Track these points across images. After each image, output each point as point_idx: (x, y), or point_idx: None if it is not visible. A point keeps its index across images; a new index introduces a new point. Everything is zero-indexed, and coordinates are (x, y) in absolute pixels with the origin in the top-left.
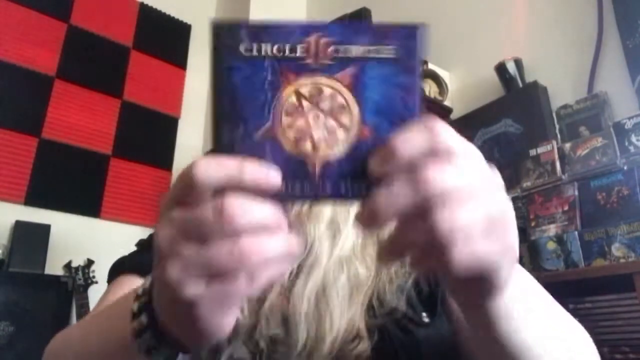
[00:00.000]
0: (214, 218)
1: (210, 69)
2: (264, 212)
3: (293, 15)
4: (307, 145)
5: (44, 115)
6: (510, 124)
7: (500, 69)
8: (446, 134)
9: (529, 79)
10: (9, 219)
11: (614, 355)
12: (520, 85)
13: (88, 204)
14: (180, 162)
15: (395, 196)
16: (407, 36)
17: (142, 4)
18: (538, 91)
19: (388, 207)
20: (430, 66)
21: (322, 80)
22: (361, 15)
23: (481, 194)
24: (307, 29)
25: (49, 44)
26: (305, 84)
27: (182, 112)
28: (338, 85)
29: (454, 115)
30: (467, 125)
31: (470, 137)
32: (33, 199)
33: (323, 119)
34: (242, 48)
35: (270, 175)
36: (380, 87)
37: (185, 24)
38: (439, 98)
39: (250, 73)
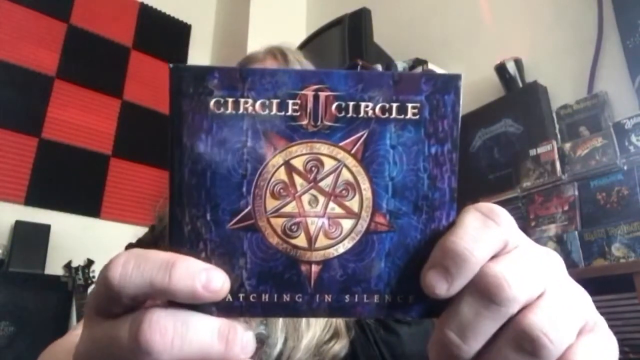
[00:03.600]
0: (128, 345)
1: (169, 129)
2: (203, 335)
3: (293, 16)
4: (300, 239)
5: (44, 115)
6: (510, 124)
7: (500, 69)
8: (511, 224)
9: (529, 79)
10: (9, 219)
11: None
12: (520, 85)
13: (88, 204)
14: None
15: (481, 320)
16: (440, 89)
17: (142, 4)
18: (538, 91)
19: (475, 339)
20: (430, 66)
21: (322, 148)
22: (361, 16)
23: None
24: (302, 79)
25: (49, 44)
26: (298, 154)
27: None
28: (343, 156)
29: None
30: (467, 125)
31: (470, 137)
32: (33, 199)
33: (322, 203)
34: (212, 103)
35: (213, 279)
36: (401, 158)
37: (185, 24)
38: None
39: (223, 137)
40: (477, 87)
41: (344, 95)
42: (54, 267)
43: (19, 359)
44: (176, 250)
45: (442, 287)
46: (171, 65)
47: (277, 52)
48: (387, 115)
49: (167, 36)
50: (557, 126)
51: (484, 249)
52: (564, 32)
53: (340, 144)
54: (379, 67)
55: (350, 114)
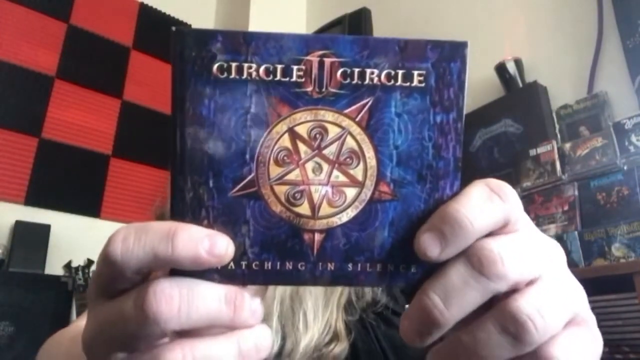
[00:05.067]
0: (135, 317)
1: (171, 93)
2: (210, 301)
3: (293, 16)
4: (304, 207)
5: (44, 115)
6: (510, 124)
7: (500, 69)
8: (517, 203)
9: (529, 79)
10: (9, 219)
11: (614, 355)
12: (520, 85)
13: (88, 204)
14: None
15: (467, 290)
16: (447, 57)
17: (142, 4)
18: (538, 91)
19: (458, 308)
20: None
21: (327, 115)
22: (361, 16)
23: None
24: (307, 44)
25: (49, 44)
26: (302, 121)
27: None
28: (348, 124)
29: None
30: (467, 125)
31: (470, 137)
32: (33, 199)
33: (326, 170)
34: (215, 67)
35: (217, 244)
36: (406, 127)
37: (185, 24)
38: None
39: (226, 103)
40: (477, 87)
41: (349, 62)
42: (54, 267)
43: (19, 359)
44: (178, 219)
45: (434, 251)
46: (173, 28)
47: None
48: (392, 82)
49: (167, 36)
50: (557, 126)
51: (483, 221)
52: (564, 32)
53: (345, 111)
54: None
55: (355, 81)
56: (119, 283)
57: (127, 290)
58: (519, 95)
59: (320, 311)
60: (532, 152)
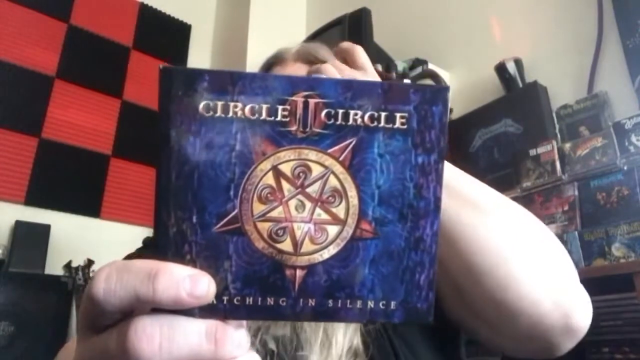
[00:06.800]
0: (118, 355)
1: (158, 131)
2: (190, 337)
3: (293, 16)
4: (286, 243)
5: (44, 115)
6: (510, 124)
7: (500, 69)
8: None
9: (529, 79)
10: (9, 219)
11: (614, 355)
12: (520, 85)
13: (88, 204)
14: None
15: None
16: (429, 100)
17: (142, 4)
18: (538, 91)
19: None
20: (430, 66)
21: (310, 155)
22: (361, 16)
23: None
24: (292, 85)
25: (49, 44)
26: (286, 160)
27: None
28: (331, 163)
29: (454, 115)
30: (467, 125)
31: (470, 137)
32: (33, 199)
33: (309, 208)
34: (201, 106)
35: (198, 285)
36: (388, 167)
37: (185, 24)
38: None
39: (211, 140)
40: (477, 87)
41: (333, 103)
42: (54, 267)
43: (19, 359)
44: (161, 254)
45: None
46: (161, 66)
47: (312, 57)
48: (375, 124)
49: (167, 36)
50: (557, 126)
51: None
52: (564, 32)
53: (329, 150)
54: (379, 67)
55: (339, 122)
56: (102, 320)
57: (112, 325)
58: (519, 95)
59: (342, 326)
60: (532, 152)
